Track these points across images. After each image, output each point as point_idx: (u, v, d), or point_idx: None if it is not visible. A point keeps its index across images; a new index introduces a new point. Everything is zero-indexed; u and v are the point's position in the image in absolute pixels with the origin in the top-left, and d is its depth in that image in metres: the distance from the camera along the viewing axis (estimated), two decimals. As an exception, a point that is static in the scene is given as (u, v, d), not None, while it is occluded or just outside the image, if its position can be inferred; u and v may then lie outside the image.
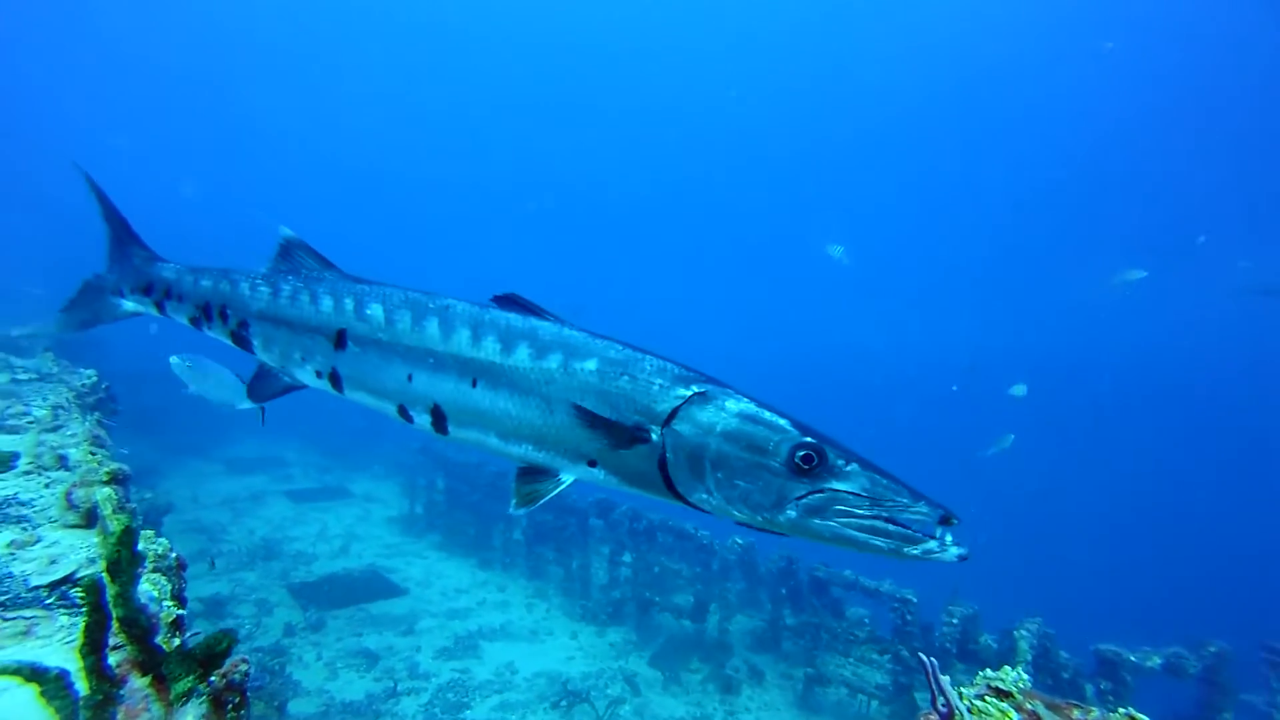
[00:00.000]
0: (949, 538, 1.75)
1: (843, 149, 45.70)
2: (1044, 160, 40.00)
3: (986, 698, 1.81)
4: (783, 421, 1.94)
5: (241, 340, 2.84)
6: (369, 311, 2.49)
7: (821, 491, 1.82)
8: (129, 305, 3.20)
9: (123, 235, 3.22)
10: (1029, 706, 1.75)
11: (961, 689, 1.89)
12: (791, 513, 1.85)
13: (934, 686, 1.70)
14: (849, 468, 1.84)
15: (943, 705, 1.69)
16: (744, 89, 43.72)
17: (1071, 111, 37.24)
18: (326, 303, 2.59)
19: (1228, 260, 31.77)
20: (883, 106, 42.57)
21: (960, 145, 42.70)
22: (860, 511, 1.79)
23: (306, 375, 2.72)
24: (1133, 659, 5.68)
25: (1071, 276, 40.66)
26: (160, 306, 3.09)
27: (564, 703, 7.45)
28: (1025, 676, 1.88)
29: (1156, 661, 5.71)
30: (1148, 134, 34.61)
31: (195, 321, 2.97)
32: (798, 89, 43.55)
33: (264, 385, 2.84)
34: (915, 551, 1.74)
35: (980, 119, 41.00)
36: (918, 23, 36.93)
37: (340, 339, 2.53)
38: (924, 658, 1.78)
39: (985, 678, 1.90)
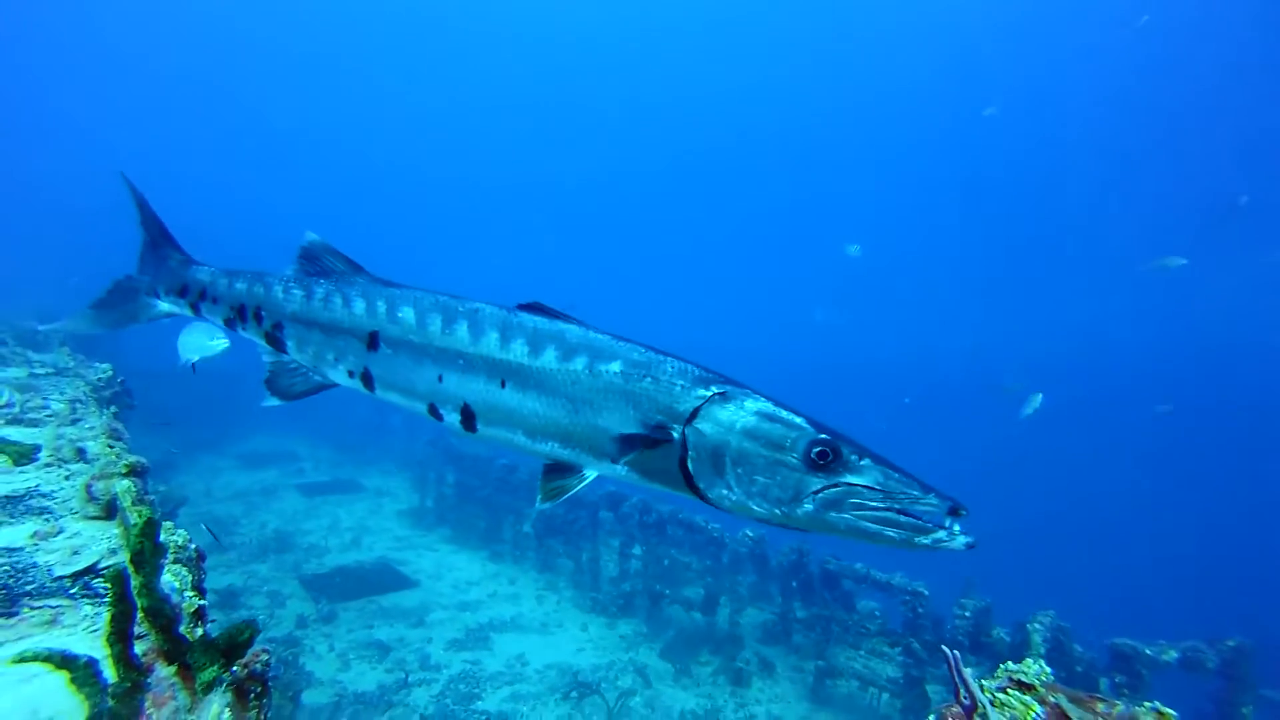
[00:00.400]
0: (957, 527, 1.82)
1: (845, 146, 45.33)
2: (1045, 155, 39.51)
3: (1009, 690, 1.80)
4: (799, 419, 2.01)
5: (276, 341, 2.89)
6: (401, 314, 2.56)
7: (837, 486, 1.90)
8: (164, 306, 3.26)
9: (159, 239, 3.25)
10: (1052, 700, 1.73)
11: (983, 681, 1.88)
12: (809, 506, 1.93)
13: (957, 679, 1.69)
14: (863, 462, 1.91)
15: (966, 698, 1.68)
16: (745, 86, 43.42)
17: (1074, 106, 36.69)
18: (359, 305, 2.66)
19: (1247, 252, 31.27)
20: (883, 100, 42.16)
21: (961, 142, 42.19)
22: (874, 504, 1.86)
23: (339, 375, 2.79)
24: (1148, 653, 5.64)
25: (1079, 272, 40.29)
26: (195, 308, 3.14)
27: (575, 694, 7.49)
28: (1048, 669, 1.87)
29: (1173, 655, 5.66)
30: (1159, 124, 34.07)
31: (230, 323, 3.03)
32: (799, 84, 43.21)
33: (291, 383, 2.89)
34: (926, 541, 1.82)
35: (979, 113, 40.48)
36: (921, 14, 36.41)
37: (373, 340, 2.61)
38: (947, 650, 1.77)
39: (1007, 670, 1.88)
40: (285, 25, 41.19)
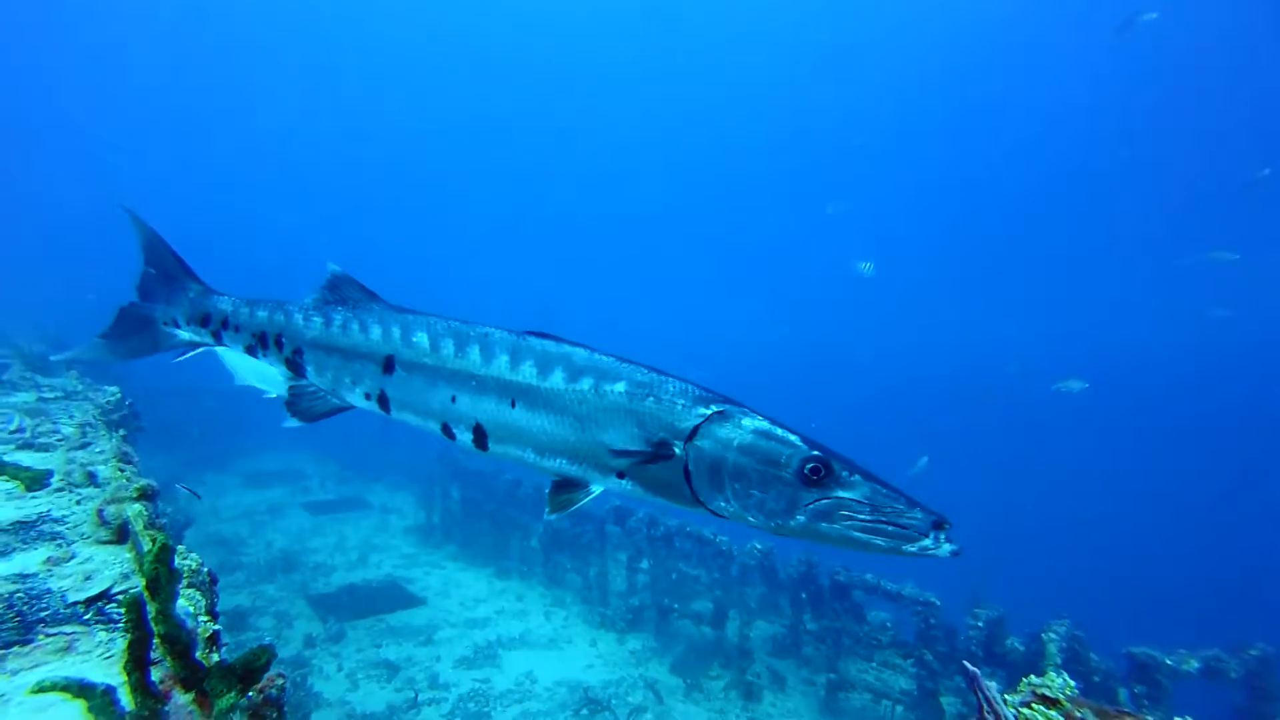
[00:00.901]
0: (943, 536, 1.93)
1: (845, 150, 45.46)
2: (1046, 154, 39.54)
3: (1033, 705, 1.78)
4: (793, 437, 2.14)
5: (296, 366, 3.02)
6: (415, 339, 2.69)
7: (828, 499, 2.04)
8: (185, 335, 3.33)
9: (175, 272, 3.31)
10: (1078, 715, 1.71)
11: (1005, 696, 1.86)
12: (801, 518, 2.06)
13: (980, 696, 1.67)
14: (853, 478, 2.04)
15: (990, 715, 1.66)
16: (745, 87, 43.67)
17: (1084, 100, 36.66)
18: (375, 331, 2.79)
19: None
20: (884, 101, 42.30)
21: (962, 139, 42.28)
22: (862, 516, 2.00)
23: (356, 398, 2.91)
24: (1168, 662, 5.54)
25: (1090, 268, 40.17)
26: (217, 336, 3.23)
27: (585, 711, 7.42)
28: (1072, 683, 1.84)
29: (1194, 665, 5.56)
30: (1168, 118, 33.97)
31: (251, 349, 3.13)
32: (797, 87, 43.41)
33: (311, 405, 2.99)
34: (912, 549, 1.94)
35: (980, 113, 40.56)
36: (926, 10, 36.41)
37: (389, 364, 2.74)
38: (969, 666, 1.75)
39: (1030, 684, 1.86)
40: (286, 33, 41.55)
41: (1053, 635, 6.11)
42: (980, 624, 6.72)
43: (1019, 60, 36.47)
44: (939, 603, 7.04)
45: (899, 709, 7.33)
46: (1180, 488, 26.12)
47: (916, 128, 42.29)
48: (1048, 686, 1.81)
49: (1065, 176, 39.49)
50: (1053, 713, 1.72)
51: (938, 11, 35.82)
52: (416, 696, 7.55)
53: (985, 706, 1.68)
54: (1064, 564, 17.30)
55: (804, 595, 8.19)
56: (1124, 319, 39.34)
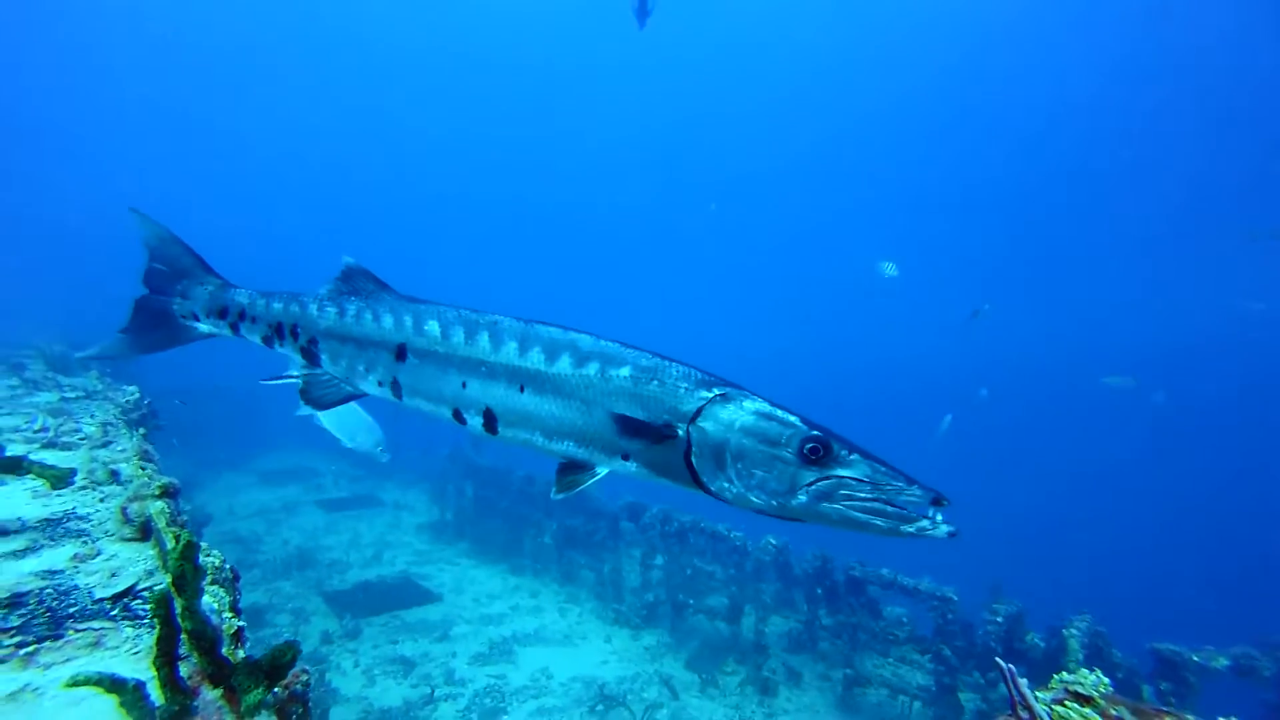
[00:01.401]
0: (939, 517, 1.96)
1: (849, 154, 45.08)
2: (1053, 154, 38.98)
3: (1066, 703, 1.74)
4: (793, 418, 2.18)
5: (310, 355, 3.09)
6: (427, 328, 2.76)
7: (829, 478, 2.06)
8: (204, 328, 3.41)
9: (193, 268, 3.38)
10: (1114, 712, 1.68)
11: (1037, 693, 1.83)
12: (802, 498, 2.08)
13: (1014, 692, 1.64)
14: (851, 457, 2.07)
15: (1024, 712, 1.63)
16: (745, 87, 43.40)
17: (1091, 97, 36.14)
18: (388, 320, 2.86)
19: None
20: (888, 104, 41.87)
21: (962, 139, 41.75)
22: (862, 495, 2.02)
23: (369, 385, 2.97)
24: (1196, 660, 5.44)
25: (1100, 263, 39.66)
26: (235, 328, 3.31)
27: (600, 707, 7.43)
28: (1105, 680, 1.81)
29: (1223, 662, 5.46)
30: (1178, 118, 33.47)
31: (267, 340, 3.21)
32: (801, 85, 43.06)
33: (324, 394, 3.06)
34: (910, 530, 1.96)
35: (980, 114, 40.02)
36: (927, 12, 36.03)
37: (401, 352, 2.81)
38: (1001, 663, 1.72)
39: (1062, 681, 1.83)
40: (285, 36, 41.58)
41: (1074, 631, 6.04)
42: (999, 619, 6.66)
43: (1019, 60, 35.93)
44: (956, 598, 6.98)
45: (916, 705, 7.28)
46: (1190, 485, 25.77)
47: (916, 128, 41.83)
48: (1081, 683, 1.78)
49: (1065, 176, 38.94)
50: (1087, 710, 1.69)
51: (939, 11, 35.36)
52: (433, 692, 7.60)
53: (1019, 703, 1.65)
54: (1074, 561, 17.12)
55: (819, 590, 8.15)
56: (1125, 318, 38.80)
